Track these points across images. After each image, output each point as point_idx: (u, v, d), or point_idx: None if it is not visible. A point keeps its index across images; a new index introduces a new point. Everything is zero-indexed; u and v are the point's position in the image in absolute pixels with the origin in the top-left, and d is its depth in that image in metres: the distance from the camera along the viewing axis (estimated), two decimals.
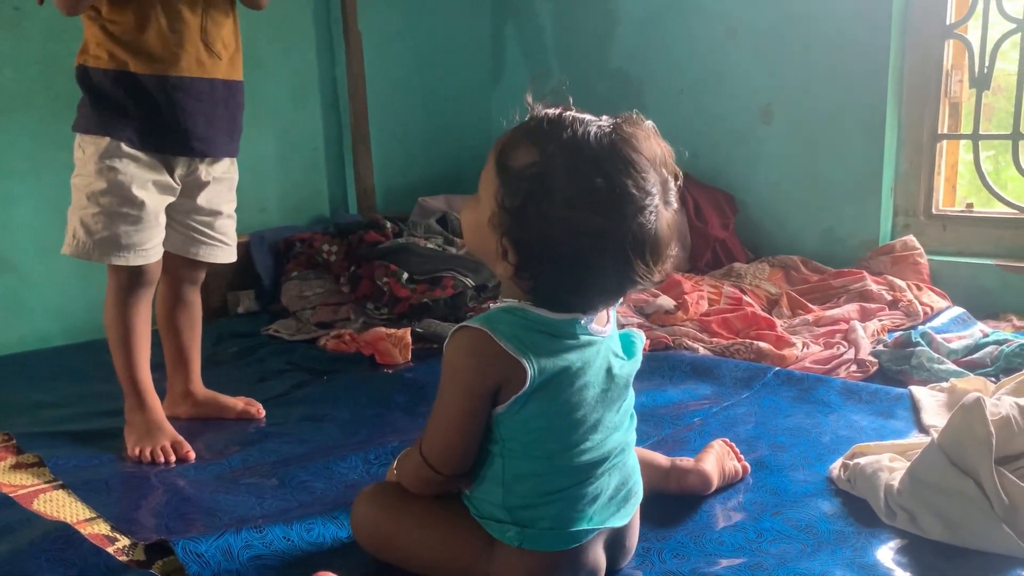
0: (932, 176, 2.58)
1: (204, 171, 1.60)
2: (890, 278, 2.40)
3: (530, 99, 0.98)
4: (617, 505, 1.05)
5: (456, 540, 1.04)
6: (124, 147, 1.49)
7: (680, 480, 1.27)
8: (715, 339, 2.10)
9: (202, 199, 1.62)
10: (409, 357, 2.09)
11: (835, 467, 1.36)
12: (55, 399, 1.86)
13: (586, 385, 0.99)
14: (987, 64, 2.42)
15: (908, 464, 1.22)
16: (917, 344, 1.88)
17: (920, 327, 2.05)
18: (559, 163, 0.92)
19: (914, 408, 1.63)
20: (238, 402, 1.75)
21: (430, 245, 2.54)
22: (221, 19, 1.56)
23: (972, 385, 1.63)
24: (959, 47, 2.50)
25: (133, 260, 1.51)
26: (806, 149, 2.71)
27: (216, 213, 1.65)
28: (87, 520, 1.28)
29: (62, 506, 1.33)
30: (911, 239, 2.54)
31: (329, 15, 2.87)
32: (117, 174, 1.48)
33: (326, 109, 2.92)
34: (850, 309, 2.24)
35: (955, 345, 1.93)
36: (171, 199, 1.57)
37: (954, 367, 1.81)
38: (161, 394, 1.65)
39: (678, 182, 0.97)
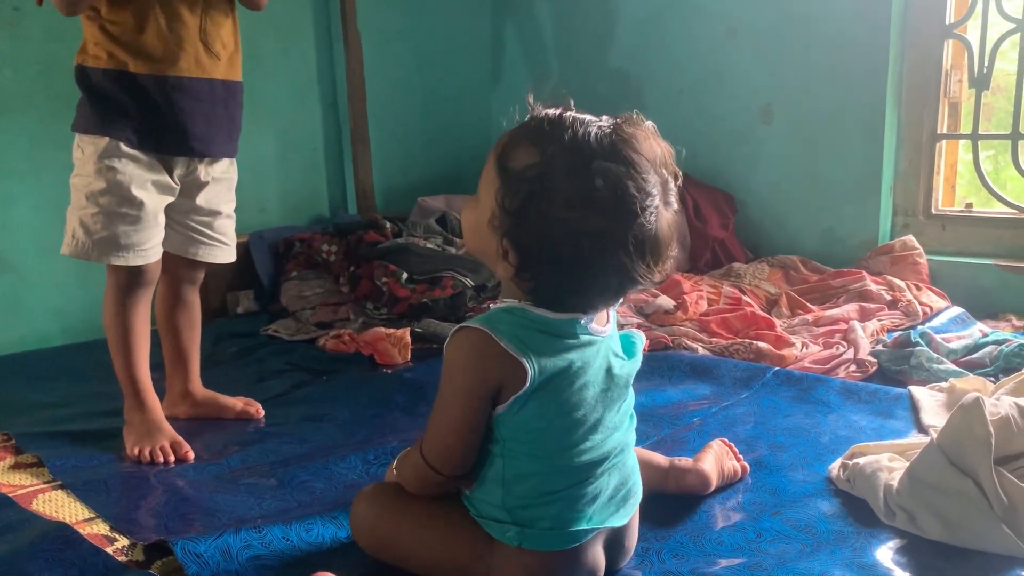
0: (931, 176, 2.58)
1: (203, 171, 1.60)
2: (889, 278, 2.40)
3: (531, 99, 0.98)
4: (617, 505, 1.05)
5: (455, 540, 1.04)
6: (123, 147, 1.49)
7: (679, 480, 1.27)
8: (714, 339, 2.10)
9: (201, 199, 1.62)
10: (408, 357, 2.09)
11: (834, 467, 1.36)
12: (54, 399, 1.86)
13: (586, 385, 0.99)
14: (986, 64, 2.42)
15: (907, 464, 1.22)
16: (916, 344, 1.88)
17: (919, 327, 2.05)
18: (559, 164, 0.92)
19: (913, 408, 1.63)
20: (237, 402, 1.74)
21: (429, 245, 2.54)
22: (220, 19, 1.56)
23: (971, 385, 1.63)
24: (958, 47, 2.50)
25: (132, 260, 1.51)
26: (806, 149, 2.71)
27: (215, 213, 1.65)
28: (86, 520, 1.28)
29: (61, 506, 1.33)
30: (910, 239, 2.54)
31: (329, 15, 2.87)
32: (116, 174, 1.48)
33: (325, 109, 2.91)
34: (849, 309, 2.24)
35: (954, 345, 1.93)
36: (170, 199, 1.57)
37: (953, 367, 1.81)
38: (160, 394, 1.65)
39: (678, 182, 0.97)
